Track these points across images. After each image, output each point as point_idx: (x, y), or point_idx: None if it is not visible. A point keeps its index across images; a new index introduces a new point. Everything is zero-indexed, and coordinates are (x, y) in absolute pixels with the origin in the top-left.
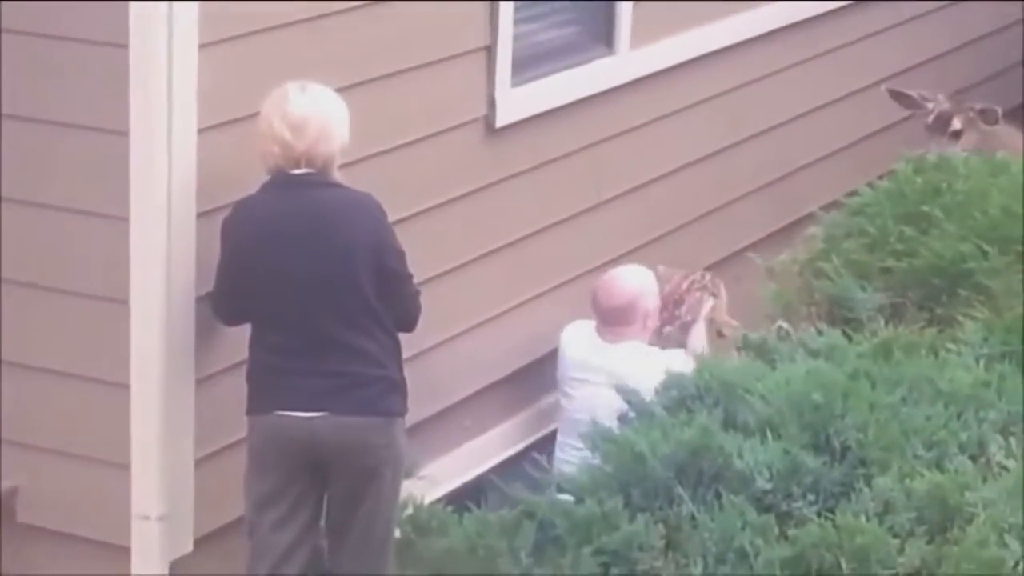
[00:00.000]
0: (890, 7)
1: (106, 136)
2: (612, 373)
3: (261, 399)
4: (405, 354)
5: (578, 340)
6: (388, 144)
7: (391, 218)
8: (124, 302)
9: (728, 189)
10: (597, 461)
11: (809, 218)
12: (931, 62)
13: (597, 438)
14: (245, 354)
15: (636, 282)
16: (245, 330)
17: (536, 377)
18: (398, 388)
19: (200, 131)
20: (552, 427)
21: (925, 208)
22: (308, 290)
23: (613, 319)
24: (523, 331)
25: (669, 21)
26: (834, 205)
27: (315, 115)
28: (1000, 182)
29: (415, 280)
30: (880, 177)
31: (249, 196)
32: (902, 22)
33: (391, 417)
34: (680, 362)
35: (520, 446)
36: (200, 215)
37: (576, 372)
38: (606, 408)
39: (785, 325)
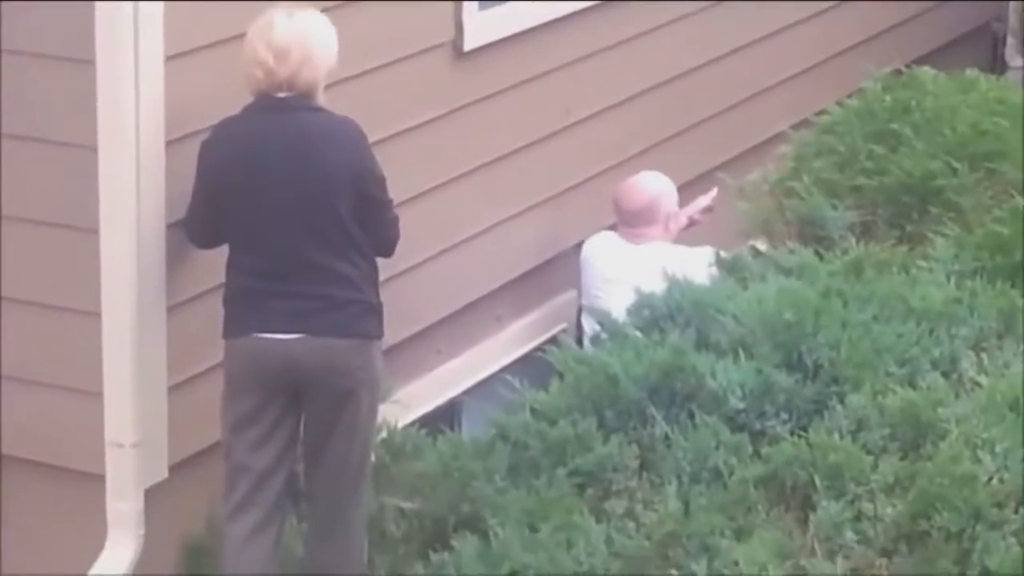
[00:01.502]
0: None
1: (72, 65)
2: (643, 272)
3: (238, 322)
4: (379, 277)
5: (603, 248)
6: (356, 69)
7: None
8: (94, 231)
9: (697, 109)
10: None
11: (779, 137)
12: None
13: (570, 360)
14: (217, 280)
15: (655, 185)
16: (216, 256)
17: (510, 300)
18: (375, 312)
19: (168, 58)
20: (532, 346)
21: (894, 126)
22: (286, 212)
23: (636, 221)
24: (495, 254)
25: None
26: (804, 124)
27: (299, 42)
28: (969, 99)
29: None
30: (850, 95)
31: (229, 117)
32: None
33: (368, 340)
34: (708, 257)
35: (493, 368)
36: (169, 143)
37: (608, 274)
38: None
39: (757, 244)
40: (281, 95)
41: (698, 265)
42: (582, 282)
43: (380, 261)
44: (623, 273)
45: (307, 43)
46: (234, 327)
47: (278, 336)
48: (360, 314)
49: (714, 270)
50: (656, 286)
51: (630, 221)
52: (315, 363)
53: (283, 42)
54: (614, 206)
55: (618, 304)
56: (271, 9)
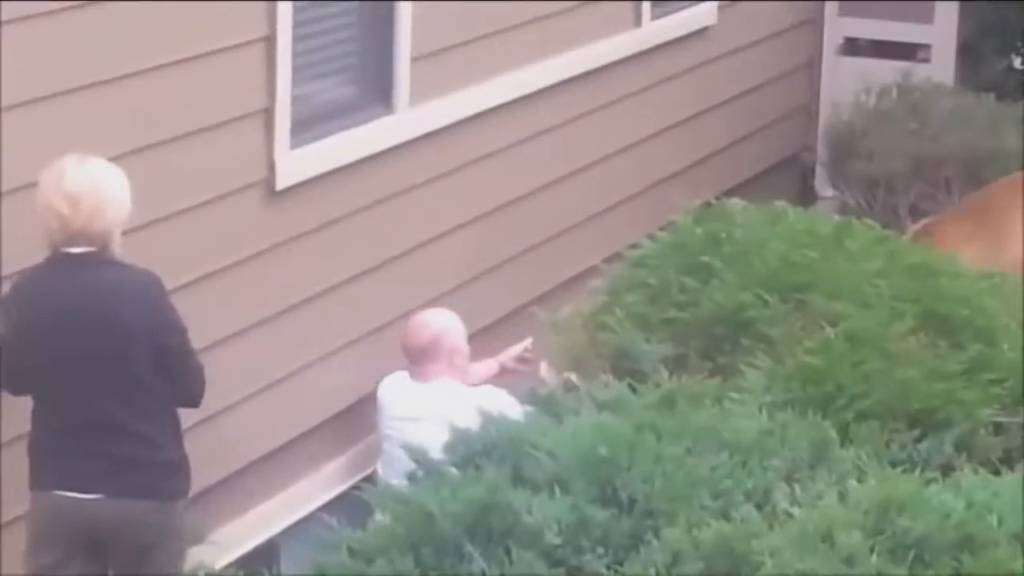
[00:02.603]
0: (674, 54)
1: None
2: (425, 410)
3: (41, 475)
4: (192, 419)
5: (392, 387)
6: (169, 210)
7: (173, 285)
8: None
9: (511, 244)
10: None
11: (593, 271)
12: (718, 108)
13: (386, 499)
14: (25, 428)
15: (437, 321)
16: (26, 402)
17: (325, 439)
18: (177, 468)
19: None
20: (348, 485)
21: (705, 258)
22: (84, 371)
23: (421, 358)
24: (309, 393)
25: (447, 79)
26: (617, 257)
27: (91, 190)
28: (778, 230)
29: (199, 349)
30: (663, 228)
31: (28, 272)
32: (688, 69)
33: (168, 500)
34: (492, 399)
35: (310, 508)
36: None
37: (395, 413)
38: (423, 444)
39: (572, 378)
40: (75, 250)
41: (488, 405)
42: (378, 417)
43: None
44: (408, 412)
45: (99, 190)
46: (37, 480)
47: (77, 496)
48: (161, 474)
49: (518, 408)
50: (442, 424)
51: (415, 358)
52: (114, 524)
53: (75, 189)
54: (401, 345)
55: (416, 441)
56: (64, 157)
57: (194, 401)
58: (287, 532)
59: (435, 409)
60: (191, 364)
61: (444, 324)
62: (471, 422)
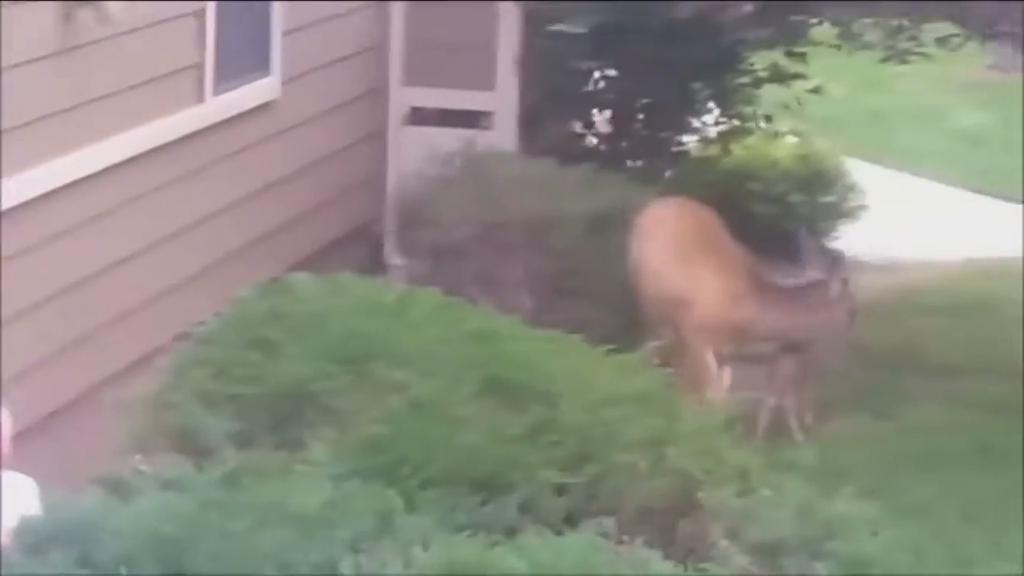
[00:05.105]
0: (238, 129)
1: None
2: None
3: None
4: None
5: None
6: None
7: None
8: None
9: (80, 322)
10: None
11: (162, 350)
12: (285, 181)
13: None
14: None
15: None
16: None
17: None
18: None
19: None
20: None
21: (270, 333)
22: None
23: None
24: None
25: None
26: (187, 335)
27: None
28: (341, 302)
29: None
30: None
31: None
32: (253, 144)
33: None
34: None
35: None
36: None
37: None
38: None
39: (139, 459)
40: None
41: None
42: None
43: None
44: None
45: None
46: None
47: None
48: None
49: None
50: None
51: None
52: None
53: None
54: None
55: None
56: None
57: None
58: None
59: None
60: None
61: None
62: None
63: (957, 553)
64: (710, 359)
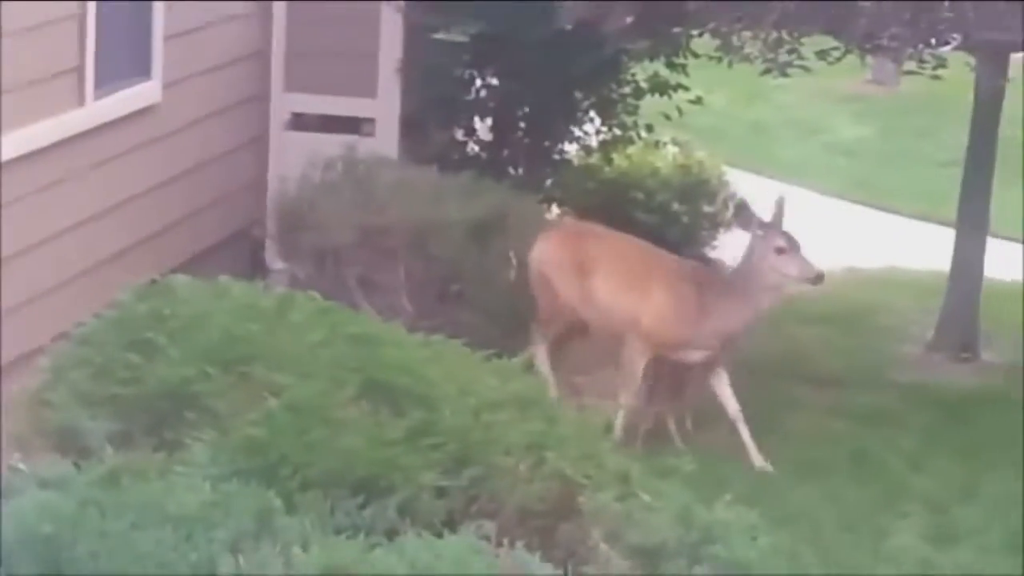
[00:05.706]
0: (119, 132)
1: None
2: None
3: None
4: None
5: None
6: None
7: None
8: None
9: None
10: None
11: (41, 350)
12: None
13: None
14: None
15: None
16: None
17: None
18: None
19: None
20: None
21: (150, 335)
22: None
23: None
24: None
25: None
26: (65, 336)
27: None
28: (222, 305)
29: None
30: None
31: None
32: (134, 147)
33: None
34: None
35: None
36: None
37: None
38: None
39: (18, 458)
40: None
41: None
42: None
43: None
44: None
45: None
46: None
47: None
48: None
49: None
50: None
51: None
52: None
53: None
54: None
55: None
56: None
57: None
58: None
59: None
60: None
61: None
62: None
63: (833, 558)
64: (640, 368)
